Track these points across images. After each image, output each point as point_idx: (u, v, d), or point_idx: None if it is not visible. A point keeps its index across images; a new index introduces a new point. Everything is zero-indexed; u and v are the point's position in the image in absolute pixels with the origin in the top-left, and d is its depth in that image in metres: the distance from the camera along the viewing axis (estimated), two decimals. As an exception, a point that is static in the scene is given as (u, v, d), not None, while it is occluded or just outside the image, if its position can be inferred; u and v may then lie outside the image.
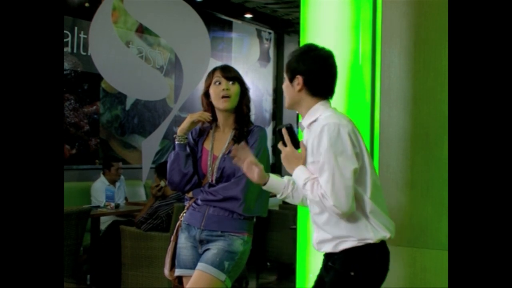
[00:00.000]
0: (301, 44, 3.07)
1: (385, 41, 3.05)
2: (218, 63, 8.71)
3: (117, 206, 5.66)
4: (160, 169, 4.72)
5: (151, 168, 6.77)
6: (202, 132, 2.82)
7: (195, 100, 8.08)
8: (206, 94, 2.76)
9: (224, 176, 2.68)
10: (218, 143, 2.76)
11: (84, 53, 6.86)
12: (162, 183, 4.61)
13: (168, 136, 7.97)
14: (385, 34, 3.07)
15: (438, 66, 2.99)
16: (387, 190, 2.80)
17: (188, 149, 2.77)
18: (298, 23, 3.13)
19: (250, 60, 9.75)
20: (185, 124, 2.77)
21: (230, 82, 2.71)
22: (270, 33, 10.22)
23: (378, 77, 2.98)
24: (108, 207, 5.59)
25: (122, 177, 6.40)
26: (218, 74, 2.72)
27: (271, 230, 5.66)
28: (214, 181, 2.70)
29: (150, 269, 4.41)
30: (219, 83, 2.70)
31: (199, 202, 2.72)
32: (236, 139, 2.71)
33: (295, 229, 3.20)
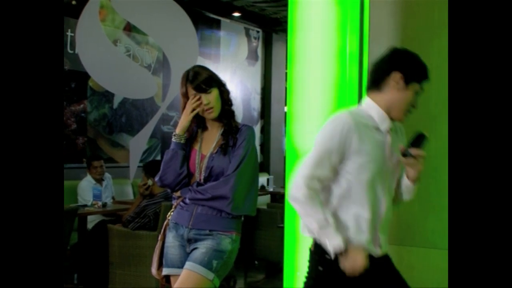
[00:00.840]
0: (289, 43, 3.07)
1: (372, 40, 3.06)
2: (206, 62, 8.73)
3: (104, 205, 5.64)
4: (148, 167, 4.71)
5: (138, 166, 6.75)
6: (190, 132, 2.81)
7: (183, 99, 8.08)
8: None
9: (212, 175, 2.68)
10: (206, 143, 2.75)
11: (71, 51, 6.83)
12: (150, 182, 4.59)
13: (156, 134, 7.96)
14: (372, 33, 3.08)
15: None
16: (374, 188, 2.80)
17: (182, 150, 2.75)
18: (286, 22, 3.13)
19: (238, 58, 9.74)
20: (183, 122, 2.74)
21: (207, 93, 2.68)
22: (258, 31, 10.22)
23: (365, 75, 2.99)
24: (95, 206, 5.57)
25: (109, 175, 6.37)
26: (192, 91, 2.68)
27: (259, 229, 5.67)
28: (202, 180, 2.70)
29: (138, 268, 4.40)
30: (198, 99, 2.69)
31: (187, 201, 2.71)
32: (225, 134, 2.71)
33: (282, 228, 3.20)
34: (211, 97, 2.68)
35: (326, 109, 2.87)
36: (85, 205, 5.66)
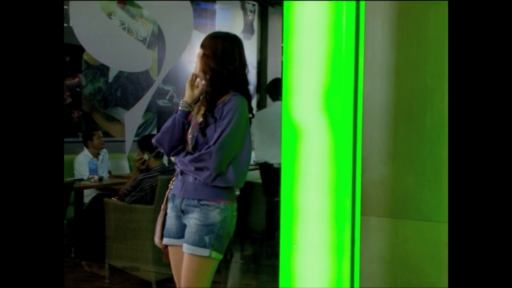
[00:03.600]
0: (285, 16, 3.05)
1: (368, 12, 3.04)
2: (202, 35, 8.66)
3: (100, 179, 5.65)
4: (143, 142, 4.71)
5: (134, 141, 6.75)
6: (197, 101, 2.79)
7: (178, 72, 8.04)
8: None
9: (198, 144, 2.65)
10: (199, 110, 2.73)
11: (66, 25, 6.77)
12: (146, 156, 4.60)
13: (152, 108, 7.94)
14: (368, 5, 3.06)
15: (421, 37, 2.99)
16: (370, 161, 2.82)
17: (186, 118, 2.73)
18: (282, -6, 3.11)
19: (234, 32, 9.65)
20: (187, 90, 2.76)
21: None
22: (254, 4, 10.14)
23: (361, 48, 2.98)
24: (92, 180, 5.58)
25: (105, 150, 6.36)
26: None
27: (255, 203, 5.69)
28: (191, 149, 2.69)
29: (134, 241, 4.42)
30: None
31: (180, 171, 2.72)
32: (204, 116, 2.66)
33: (279, 201, 3.21)
34: (198, 59, 2.72)
35: (322, 83, 2.86)
36: (82, 179, 5.67)
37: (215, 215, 2.62)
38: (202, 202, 2.63)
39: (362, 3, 3.03)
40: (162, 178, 4.31)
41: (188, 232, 2.64)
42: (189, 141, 2.68)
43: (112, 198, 4.70)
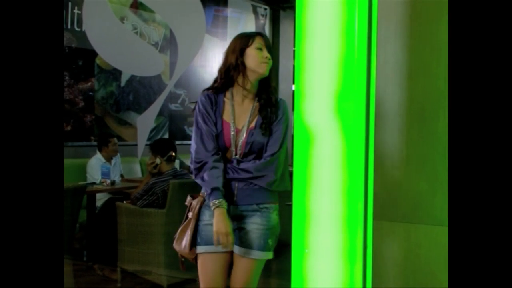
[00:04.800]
0: (297, 20, 3.05)
1: (381, 15, 3.03)
2: (214, 40, 8.69)
3: (112, 182, 5.67)
4: (154, 146, 4.72)
5: (146, 145, 6.77)
6: (216, 101, 2.69)
7: (190, 76, 8.06)
8: (242, 52, 2.66)
9: (253, 151, 2.62)
10: (240, 115, 2.67)
11: (78, 29, 6.81)
12: (158, 160, 4.61)
13: (164, 112, 7.95)
14: (381, 8, 3.05)
15: (434, 40, 2.97)
16: (382, 166, 2.81)
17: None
18: (294, -2, 3.11)
19: (245, 36, 9.68)
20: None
21: (269, 53, 2.69)
22: (265, 9, 10.15)
23: (374, 52, 2.97)
24: (104, 184, 5.59)
25: (117, 154, 6.39)
26: (261, 41, 2.67)
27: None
28: (241, 156, 2.63)
29: (146, 245, 4.43)
30: (261, 50, 2.66)
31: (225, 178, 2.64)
32: (263, 111, 2.66)
33: (291, 206, 3.21)
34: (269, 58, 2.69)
35: (334, 86, 2.86)
36: (94, 183, 5.69)
37: (275, 217, 2.68)
38: (261, 206, 2.64)
39: (374, 6, 3.02)
40: (174, 182, 4.31)
41: (250, 237, 2.62)
42: (238, 147, 2.62)
43: (124, 202, 4.72)
